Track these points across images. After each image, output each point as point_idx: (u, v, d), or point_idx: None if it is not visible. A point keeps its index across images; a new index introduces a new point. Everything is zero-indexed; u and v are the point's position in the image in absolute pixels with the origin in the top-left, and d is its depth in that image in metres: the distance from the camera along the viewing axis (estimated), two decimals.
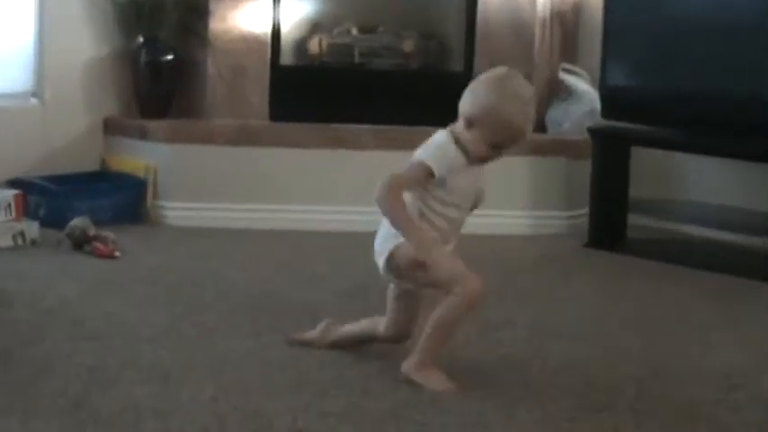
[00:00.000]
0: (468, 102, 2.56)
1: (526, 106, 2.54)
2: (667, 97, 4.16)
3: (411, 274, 2.59)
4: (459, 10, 4.75)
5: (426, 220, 2.60)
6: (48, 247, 3.85)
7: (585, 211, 4.39)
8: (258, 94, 4.58)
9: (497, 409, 2.47)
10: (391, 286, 2.73)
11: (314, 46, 4.72)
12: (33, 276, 3.47)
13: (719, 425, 2.47)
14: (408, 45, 4.78)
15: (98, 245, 3.77)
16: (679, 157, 4.52)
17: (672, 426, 2.45)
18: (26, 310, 3.09)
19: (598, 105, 4.45)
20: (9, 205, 3.89)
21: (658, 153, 4.44)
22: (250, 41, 4.56)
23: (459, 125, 2.58)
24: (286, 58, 4.67)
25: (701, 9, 4.12)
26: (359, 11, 4.83)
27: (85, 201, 4.16)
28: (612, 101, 4.31)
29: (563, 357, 2.88)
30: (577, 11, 4.88)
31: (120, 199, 4.32)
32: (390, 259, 2.62)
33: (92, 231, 3.83)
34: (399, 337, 2.73)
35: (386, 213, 2.56)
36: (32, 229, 3.91)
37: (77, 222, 3.86)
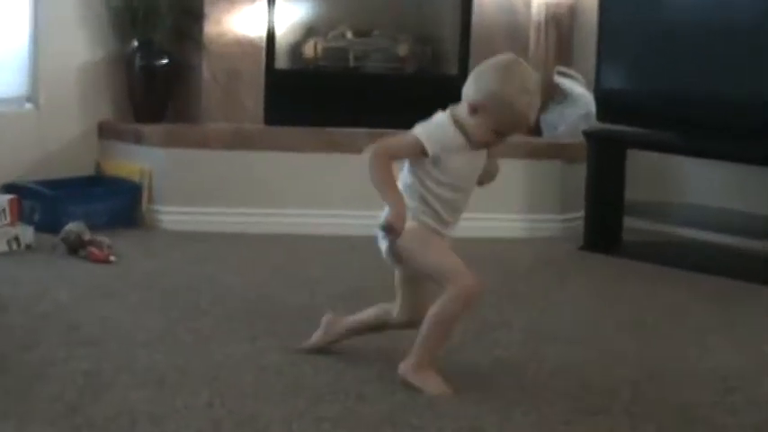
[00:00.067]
0: (472, 88, 2.57)
1: (531, 94, 2.54)
2: (662, 100, 4.16)
3: (411, 259, 2.59)
4: (454, 13, 4.75)
5: (424, 201, 2.60)
6: (43, 251, 3.85)
7: (581, 214, 4.39)
8: (253, 97, 4.58)
9: (493, 412, 2.47)
10: (396, 272, 2.72)
11: (309, 50, 4.72)
12: (28, 281, 3.47)
13: (716, 428, 2.47)
14: (403, 49, 4.78)
15: (93, 249, 3.76)
16: (674, 159, 4.52)
17: (668, 429, 2.45)
18: (21, 315, 3.09)
19: (593, 108, 4.45)
20: (4, 210, 3.88)
21: (654, 156, 4.44)
22: (245, 45, 4.55)
23: (461, 109, 2.58)
24: (281, 62, 4.66)
25: (696, 12, 4.12)
26: (354, 14, 4.83)
27: (80, 205, 4.15)
28: (607, 104, 4.31)
29: (558, 360, 2.88)
30: (572, 14, 4.88)
31: (115, 203, 4.32)
32: (392, 244, 2.62)
33: (87, 236, 3.82)
34: (413, 321, 2.70)
35: (371, 177, 2.57)
36: (27, 233, 3.90)
37: (72, 227, 3.85)
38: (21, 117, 4.41)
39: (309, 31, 4.76)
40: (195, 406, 2.42)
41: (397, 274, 2.73)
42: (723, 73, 3.99)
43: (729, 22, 3.98)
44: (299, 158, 4.41)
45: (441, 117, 2.61)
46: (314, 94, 4.65)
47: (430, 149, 2.55)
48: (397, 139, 2.61)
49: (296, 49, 4.73)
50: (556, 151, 4.57)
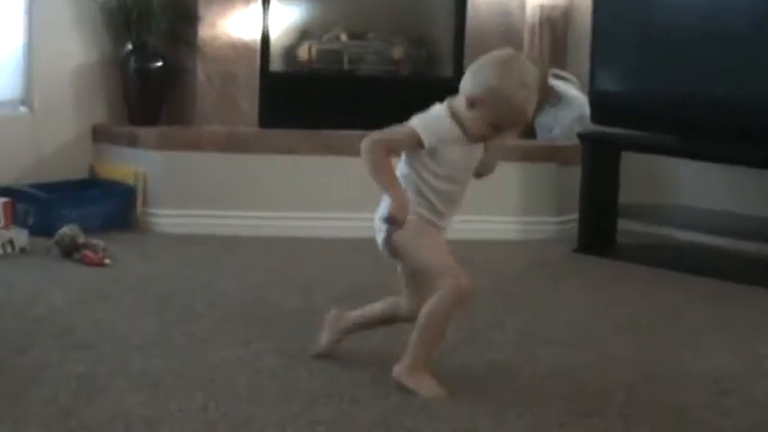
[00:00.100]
0: (470, 82, 2.57)
1: (529, 89, 2.54)
2: (656, 102, 4.17)
3: (405, 254, 2.61)
4: (449, 16, 4.75)
5: (420, 193, 2.60)
6: (37, 255, 3.84)
7: (575, 216, 4.39)
8: (248, 100, 4.58)
9: (487, 414, 2.47)
10: (399, 267, 2.73)
11: (303, 52, 4.72)
12: (22, 285, 3.46)
13: (710, 430, 2.48)
14: (398, 51, 4.78)
15: (87, 253, 3.76)
16: (669, 162, 4.52)
17: (662, 431, 2.45)
18: (15, 318, 3.09)
19: (587, 111, 4.46)
20: None
21: (648, 158, 4.44)
22: (239, 48, 4.56)
23: (459, 102, 2.58)
24: (275, 65, 4.67)
25: (690, 14, 4.13)
26: (348, 17, 4.83)
27: (75, 208, 4.15)
28: (602, 106, 4.31)
29: (553, 363, 2.89)
30: (567, 16, 4.89)
31: (110, 206, 4.31)
32: (388, 237, 2.62)
33: (81, 239, 3.82)
34: (410, 314, 2.70)
35: (369, 171, 2.57)
36: (21, 237, 3.90)
37: (67, 230, 3.85)
38: (15, 120, 4.41)
39: (304, 33, 4.76)
40: (190, 409, 2.42)
41: (401, 266, 2.73)
42: (717, 75, 4.00)
43: (723, 24, 3.99)
44: (293, 161, 4.41)
45: (438, 109, 2.61)
46: (308, 97, 4.65)
47: (426, 141, 2.55)
48: (394, 131, 2.60)
49: (290, 51, 4.73)
50: (550, 154, 4.57)
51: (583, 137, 4.36)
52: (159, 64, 4.52)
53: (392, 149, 2.59)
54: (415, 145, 2.56)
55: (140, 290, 3.44)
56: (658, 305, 3.58)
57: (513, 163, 4.40)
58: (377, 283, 3.61)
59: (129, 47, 4.52)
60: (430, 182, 2.59)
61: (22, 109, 4.44)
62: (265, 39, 4.60)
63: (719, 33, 3.99)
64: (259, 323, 3.13)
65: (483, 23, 4.65)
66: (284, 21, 4.69)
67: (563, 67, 4.84)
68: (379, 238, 2.65)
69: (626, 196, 4.38)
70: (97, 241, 3.82)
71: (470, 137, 2.58)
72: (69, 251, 3.80)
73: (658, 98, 4.16)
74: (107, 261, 3.74)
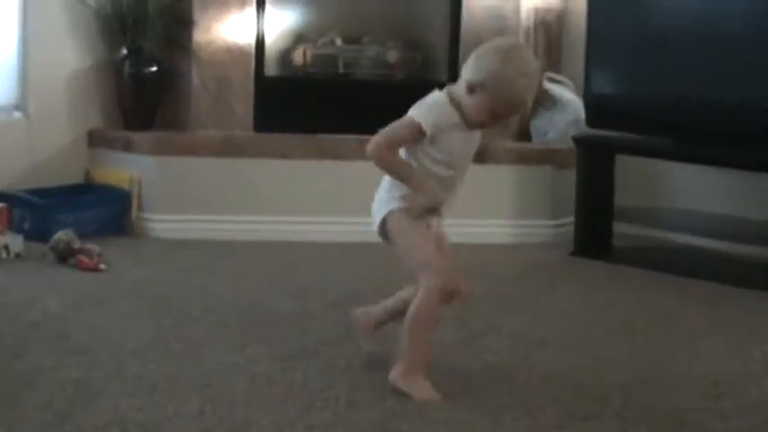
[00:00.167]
0: (471, 67, 2.58)
1: (528, 77, 2.56)
2: (651, 105, 4.17)
3: (395, 243, 2.64)
4: (444, 20, 4.76)
5: None
6: (32, 260, 3.84)
7: (571, 219, 4.40)
8: (243, 105, 4.58)
9: (484, 417, 2.47)
10: None
11: (298, 57, 4.72)
12: (17, 290, 3.46)
13: None
14: (393, 55, 4.78)
15: (83, 258, 3.75)
16: (664, 165, 4.53)
17: None
18: (10, 323, 3.08)
19: (582, 114, 4.46)
20: None
21: (643, 161, 4.45)
22: (234, 52, 4.55)
23: (459, 88, 2.60)
24: (270, 69, 4.66)
25: (685, 17, 4.13)
26: (343, 21, 4.83)
27: (70, 213, 4.15)
28: (597, 109, 4.32)
29: (549, 366, 2.88)
30: (561, 20, 4.89)
31: (105, 211, 4.31)
32: (383, 224, 2.65)
33: (76, 244, 3.81)
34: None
35: (383, 170, 2.61)
36: (17, 242, 3.89)
37: (62, 235, 3.84)
38: (10, 126, 4.40)
39: (299, 38, 4.76)
40: (186, 414, 2.42)
41: None
42: (712, 78, 4.00)
43: (719, 27, 4.00)
44: (289, 165, 4.41)
45: (437, 95, 2.63)
46: (304, 101, 4.65)
47: (427, 128, 2.56)
48: (394, 127, 2.61)
49: (285, 56, 4.73)
50: (546, 157, 4.58)
51: (578, 140, 4.37)
52: (154, 69, 4.52)
53: (396, 145, 2.60)
54: (417, 135, 2.58)
55: (136, 295, 3.44)
56: (654, 308, 3.58)
57: (508, 166, 4.41)
58: (372, 287, 3.61)
59: (124, 52, 4.52)
60: (429, 168, 2.60)
61: (17, 114, 4.44)
62: (260, 43, 4.60)
63: (714, 36, 4.00)
64: (255, 328, 3.12)
65: (478, 27, 4.65)
66: (279, 25, 4.70)
67: (558, 71, 4.84)
68: (376, 221, 2.67)
69: (621, 199, 4.39)
70: (92, 246, 3.82)
71: (468, 123, 2.60)
72: (64, 256, 3.80)
73: (653, 101, 4.17)
74: (102, 266, 3.74)
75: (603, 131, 4.31)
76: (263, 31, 4.60)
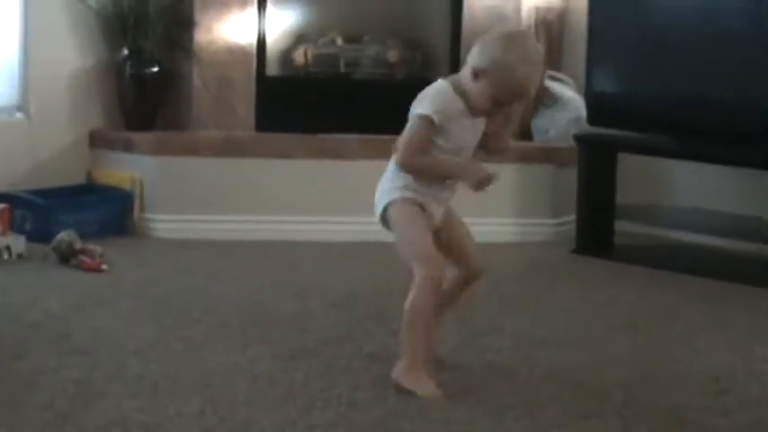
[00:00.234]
0: (476, 54, 2.60)
1: (532, 65, 2.58)
2: (652, 103, 4.17)
3: (393, 231, 2.67)
4: (444, 19, 4.76)
5: None
6: (34, 261, 3.84)
7: (572, 217, 4.39)
8: (244, 105, 4.58)
9: (485, 416, 2.47)
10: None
11: (299, 56, 4.72)
12: (19, 290, 3.46)
13: (708, 429, 2.48)
14: (393, 55, 4.78)
15: (85, 258, 3.76)
16: (665, 163, 4.52)
17: (660, 431, 2.45)
18: (12, 324, 3.08)
19: (584, 112, 4.46)
20: None
21: (645, 159, 4.44)
22: (235, 53, 4.55)
23: (463, 75, 2.62)
24: (272, 69, 4.66)
25: (685, 16, 4.13)
26: (344, 21, 4.83)
27: (72, 214, 4.15)
28: (598, 108, 4.31)
29: (551, 364, 2.88)
30: (562, 18, 4.89)
31: (107, 212, 4.31)
32: (384, 212, 2.67)
33: (78, 245, 3.81)
34: (468, 272, 2.75)
35: (424, 174, 2.63)
36: (19, 243, 3.89)
37: (64, 236, 3.84)
38: (11, 126, 4.40)
39: (300, 37, 4.76)
40: (187, 414, 2.42)
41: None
42: (713, 76, 4.00)
43: (719, 26, 3.99)
44: (290, 165, 4.41)
45: (440, 84, 2.65)
46: (305, 101, 4.65)
47: (437, 120, 2.59)
48: (412, 131, 2.62)
49: (286, 55, 4.73)
50: (547, 155, 4.57)
51: (579, 138, 4.37)
52: (155, 69, 4.52)
53: (423, 148, 2.61)
54: (433, 129, 2.59)
55: (137, 295, 3.44)
56: (655, 305, 3.58)
57: (509, 165, 4.40)
58: (373, 287, 3.62)
59: (125, 52, 4.52)
60: (436, 155, 2.62)
61: (19, 115, 4.44)
62: (261, 43, 4.60)
63: (715, 35, 3.99)
64: (256, 328, 3.12)
65: (479, 26, 4.64)
66: (280, 25, 4.69)
67: (559, 69, 4.84)
68: (378, 210, 2.70)
69: (623, 197, 4.38)
70: (94, 247, 3.82)
71: (473, 110, 2.62)
72: (66, 257, 3.80)
73: (654, 99, 4.16)
74: (104, 267, 3.74)
75: (605, 130, 4.30)
76: (263, 31, 4.59)
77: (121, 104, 4.57)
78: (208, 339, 3.00)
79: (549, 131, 4.70)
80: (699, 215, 4.44)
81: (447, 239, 2.70)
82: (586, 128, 4.43)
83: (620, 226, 4.39)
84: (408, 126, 2.63)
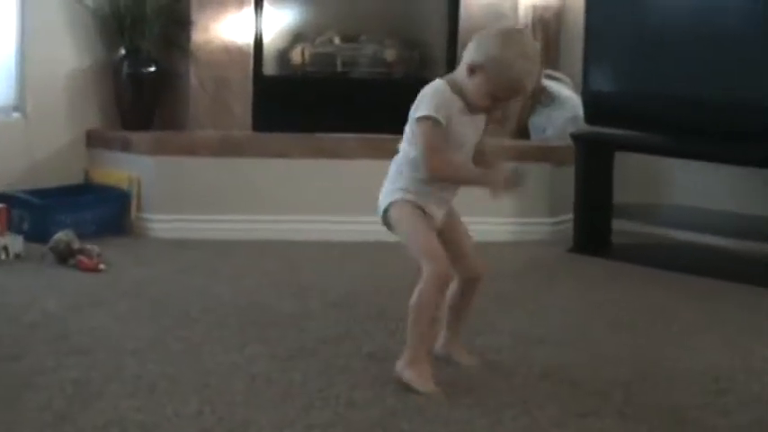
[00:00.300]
0: (472, 50, 2.62)
1: (528, 61, 2.59)
2: (649, 102, 4.16)
3: (396, 232, 2.69)
4: (442, 18, 4.75)
5: None
6: (32, 261, 3.83)
7: (570, 216, 4.39)
8: (241, 104, 4.58)
9: (484, 416, 2.47)
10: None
11: (296, 56, 4.71)
12: (17, 290, 3.46)
13: (707, 429, 2.47)
14: (391, 54, 4.78)
15: (82, 258, 3.75)
16: (662, 161, 4.53)
17: (659, 430, 2.45)
18: (9, 324, 3.08)
19: (581, 111, 4.46)
20: None
21: (642, 158, 4.44)
22: (232, 52, 4.55)
23: (459, 73, 2.63)
24: (269, 69, 4.66)
25: (682, 14, 4.13)
26: (341, 20, 4.83)
27: (69, 214, 4.14)
28: (595, 106, 4.31)
29: (549, 363, 2.88)
30: (559, 17, 4.89)
31: (104, 212, 4.31)
32: (385, 213, 2.69)
33: (76, 245, 3.81)
34: (469, 274, 2.76)
35: (453, 182, 2.66)
36: (16, 243, 3.89)
37: (61, 236, 3.84)
38: (8, 126, 4.40)
39: (297, 37, 4.76)
40: (185, 414, 2.42)
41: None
42: (710, 75, 4.00)
43: (716, 24, 3.99)
44: (287, 165, 4.40)
45: (436, 84, 2.65)
46: (302, 100, 4.64)
47: (442, 119, 2.60)
48: (422, 139, 2.61)
49: (284, 55, 4.72)
50: (544, 154, 4.57)
51: (576, 137, 4.37)
52: (152, 69, 4.52)
53: (440, 149, 2.61)
54: (440, 128, 2.60)
55: (135, 295, 3.44)
56: (653, 304, 3.58)
57: (507, 164, 4.39)
58: (372, 287, 3.61)
59: (122, 52, 4.51)
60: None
61: (16, 115, 4.43)
62: (258, 42, 4.59)
63: (712, 33, 3.99)
64: (254, 327, 3.12)
65: (476, 25, 4.63)
66: (277, 24, 4.69)
67: (556, 68, 4.84)
68: (380, 211, 2.71)
69: (620, 196, 4.38)
70: (92, 247, 3.81)
71: (471, 107, 2.63)
72: (64, 257, 3.80)
73: (651, 98, 4.16)
74: (102, 266, 3.74)
75: (602, 128, 4.30)
76: (261, 30, 4.59)
77: (119, 104, 4.57)
78: (206, 339, 2.99)
79: (547, 130, 4.70)
80: (696, 214, 4.44)
81: (447, 240, 2.70)
82: (584, 127, 4.43)
83: (618, 225, 4.39)
84: (418, 134, 2.62)
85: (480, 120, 2.70)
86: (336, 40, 4.77)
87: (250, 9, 4.55)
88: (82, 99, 4.55)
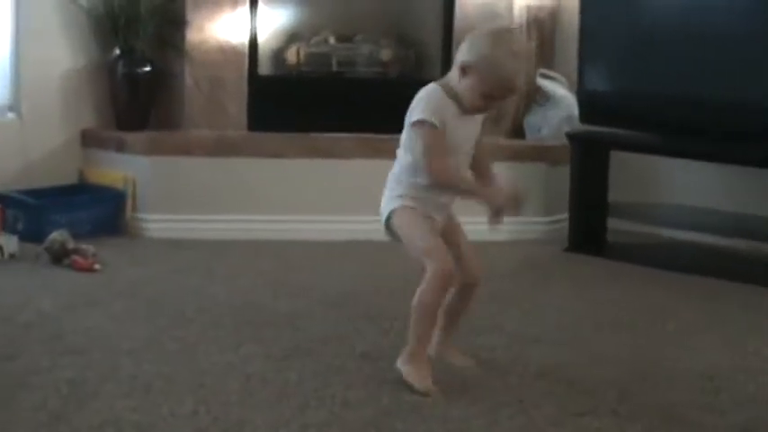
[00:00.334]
0: (464, 50, 2.64)
1: (518, 59, 2.61)
2: (645, 101, 4.17)
3: (400, 238, 2.69)
4: (437, 17, 4.75)
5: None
6: (26, 261, 3.83)
7: (565, 216, 4.40)
8: (236, 104, 4.57)
9: (480, 415, 2.47)
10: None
11: (291, 55, 4.71)
12: (12, 290, 3.45)
13: (703, 428, 2.48)
14: (386, 53, 4.78)
15: (77, 258, 3.75)
16: (658, 160, 4.53)
17: (655, 429, 2.45)
18: (4, 324, 3.07)
19: (576, 110, 4.46)
20: None
21: (637, 157, 4.44)
22: (227, 52, 4.55)
23: (451, 75, 2.65)
24: (264, 68, 4.66)
25: (677, 14, 4.13)
26: (336, 20, 4.83)
27: (64, 214, 4.14)
28: (590, 106, 4.32)
29: (544, 362, 2.88)
30: (554, 16, 4.89)
31: (99, 212, 4.30)
32: (388, 221, 2.69)
33: (71, 245, 3.81)
34: (468, 278, 2.77)
35: (448, 189, 2.66)
36: (11, 243, 3.89)
37: (56, 236, 3.83)
38: (3, 126, 4.39)
39: (292, 36, 4.76)
40: (181, 414, 2.42)
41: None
42: (704, 74, 4.00)
43: (710, 24, 4.00)
44: (282, 164, 4.40)
45: (430, 88, 2.67)
46: (297, 100, 4.64)
47: (438, 122, 2.61)
48: (421, 144, 2.62)
49: (279, 55, 4.72)
50: (539, 154, 4.57)
51: (571, 136, 4.37)
52: (147, 69, 4.51)
53: (440, 152, 2.62)
54: (438, 130, 2.61)
55: (130, 295, 3.44)
56: (649, 304, 3.58)
57: (502, 163, 4.38)
58: (367, 286, 3.61)
59: (117, 52, 4.51)
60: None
61: (10, 115, 4.42)
62: (253, 42, 4.59)
63: (706, 33, 3.99)
64: (249, 327, 3.12)
65: (471, 25, 4.63)
66: (272, 24, 4.69)
67: (551, 67, 4.84)
68: (383, 219, 2.72)
69: (615, 195, 4.39)
70: (87, 247, 3.81)
71: (466, 108, 2.63)
72: (59, 257, 3.79)
73: (646, 97, 4.16)
74: (97, 266, 3.73)
75: (597, 128, 4.31)
76: (255, 30, 4.59)
77: (113, 104, 4.56)
78: (201, 339, 2.99)
79: (542, 130, 4.70)
80: (691, 213, 4.44)
81: (446, 243, 2.70)
82: (579, 126, 4.43)
83: (613, 224, 4.39)
84: (416, 138, 2.63)
85: (476, 121, 2.71)
86: (332, 40, 4.77)
87: (245, 9, 4.55)
88: (77, 99, 4.55)
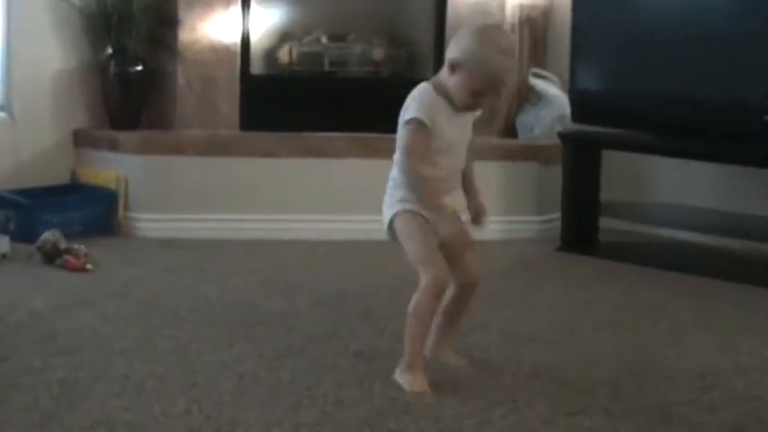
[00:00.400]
0: (452, 48, 2.65)
1: (504, 54, 2.62)
2: (637, 101, 4.17)
3: (400, 241, 2.69)
4: (429, 17, 4.76)
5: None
6: (18, 261, 3.82)
7: (557, 215, 4.40)
8: (228, 103, 4.57)
9: (472, 414, 2.47)
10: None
11: (284, 55, 4.71)
12: (3, 291, 3.45)
13: (694, 426, 2.48)
14: (378, 53, 4.78)
15: (69, 258, 3.74)
16: (650, 160, 4.53)
17: (647, 427, 2.45)
18: None
19: (568, 110, 4.46)
20: None
21: (629, 156, 4.45)
22: (220, 51, 4.54)
23: (442, 73, 2.66)
24: (256, 68, 4.66)
25: (669, 13, 4.14)
26: (328, 19, 4.83)
27: (56, 214, 4.13)
28: (582, 105, 4.32)
29: (537, 361, 2.89)
30: (546, 16, 4.89)
31: (91, 211, 4.30)
32: (391, 225, 2.70)
33: (63, 244, 3.80)
34: (465, 282, 2.76)
35: (414, 191, 2.65)
36: (3, 243, 3.88)
37: (48, 236, 3.83)
38: None
39: (284, 36, 4.75)
40: (173, 414, 2.41)
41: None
42: (697, 73, 4.01)
43: (703, 23, 4.00)
44: (275, 164, 4.40)
45: (422, 87, 2.68)
46: (289, 100, 4.64)
47: (428, 121, 2.61)
48: (405, 139, 2.63)
49: (271, 54, 4.72)
50: (532, 153, 4.58)
51: (564, 136, 4.37)
52: (139, 68, 4.51)
53: (421, 152, 2.62)
54: (426, 130, 2.61)
55: (122, 295, 3.43)
56: (641, 302, 3.59)
57: (494, 162, 4.41)
58: (360, 286, 3.61)
59: (109, 51, 4.50)
60: (433, 158, 2.63)
61: (2, 115, 4.42)
62: (245, 42, 4.59)
63: (699, 32, 4.00)
64: (242, 326, 3.12)
65: (463, 23, 4.63)
66: (264, 23, 4.69)
67: (543, 66, 4.84)
68: (385, 223, 2.72)
69: (607, 194, 4.39)
70: (79, 246, 3.80)
71: (455, 106, 2.64)
72: (51, 257, 3.79)
73: (638, 97, 4.17)
74: (89, 266, 3.73)
75: (589, 127, 4.31)
76: (248, 29, 4.59)
77: (106, 103, 4.56)
78: (193, 338, 2.99)
79: (534, 129, 4.70)
80: (683, 212, 4.45)
81: (446, 251, 2.70)
82: (571, 125, 4.44)
83: (605, 223, 4.39)
84: (401, 136, 2.64)
85: (467, 119, 2.72)
86: (324, 39, 4.77)
87: (237, 8, 4.55)
88: (69, 98, 4.54)
